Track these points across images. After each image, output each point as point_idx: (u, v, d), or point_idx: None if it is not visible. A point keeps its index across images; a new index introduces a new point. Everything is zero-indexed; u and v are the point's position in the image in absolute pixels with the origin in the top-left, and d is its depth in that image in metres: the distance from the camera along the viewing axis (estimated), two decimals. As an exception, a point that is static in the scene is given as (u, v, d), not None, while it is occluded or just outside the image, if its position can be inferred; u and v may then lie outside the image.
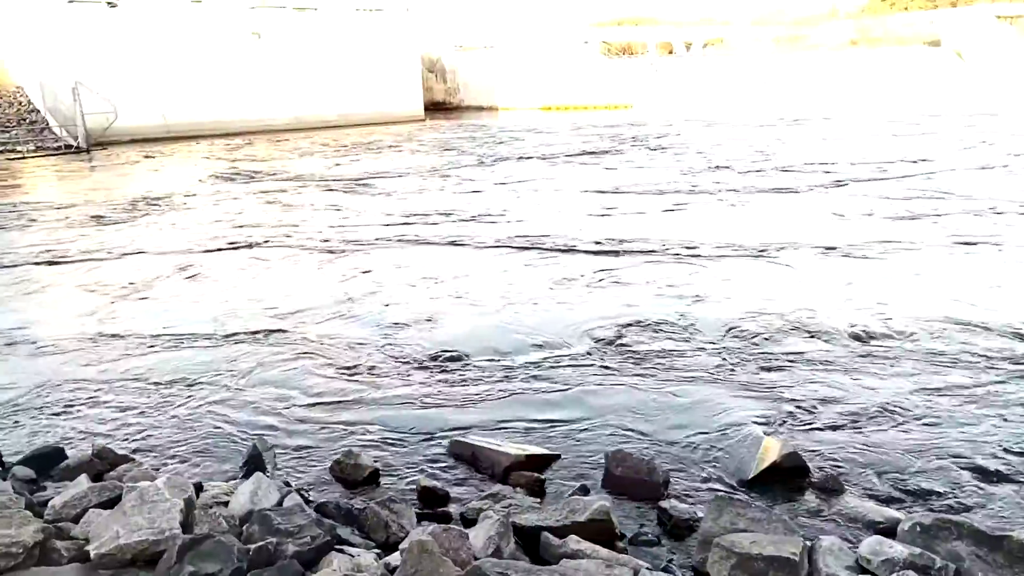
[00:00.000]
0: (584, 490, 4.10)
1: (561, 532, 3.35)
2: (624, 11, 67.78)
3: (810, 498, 4.00)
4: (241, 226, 12.22)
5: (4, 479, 3.92)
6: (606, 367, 5.84)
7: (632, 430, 4.83)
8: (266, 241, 11.05)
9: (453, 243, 10.45)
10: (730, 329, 6.55)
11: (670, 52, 54.75)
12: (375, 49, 37.88)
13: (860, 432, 4.68)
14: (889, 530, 3.33)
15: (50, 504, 3.33)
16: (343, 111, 36.53)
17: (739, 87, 39.16)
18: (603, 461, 4.32)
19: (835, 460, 4.36)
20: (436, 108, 44.25)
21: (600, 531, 3.44)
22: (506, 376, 5.73)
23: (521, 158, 20.50)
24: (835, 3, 62.95)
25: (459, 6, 57.33)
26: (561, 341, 6.41)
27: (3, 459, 4.44)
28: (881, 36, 46.00)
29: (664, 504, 3.88)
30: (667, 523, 3.77)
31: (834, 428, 4.75)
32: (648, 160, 19.00)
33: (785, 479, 4.12)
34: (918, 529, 3.06)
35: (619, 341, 6.38)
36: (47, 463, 4.33)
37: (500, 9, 59.31)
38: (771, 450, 4.27)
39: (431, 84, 45.96)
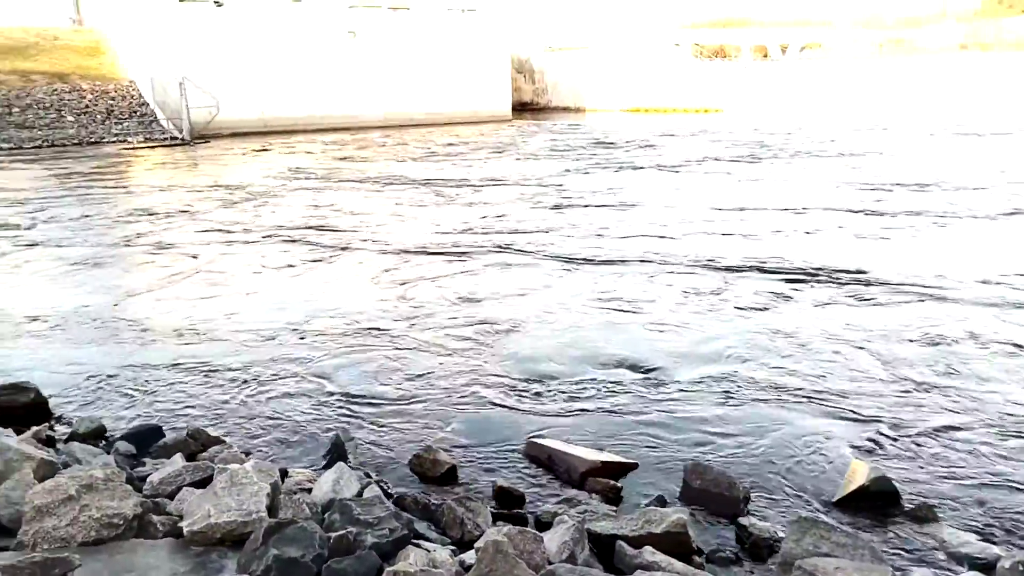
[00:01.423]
0: (661, 501, 4.04)
1: (636, 542, 3.32)
2: (718, 13, 66.38)
3: (900, 526, 3.82)
4: (323, 227, 12.50)
5: (108, 453, 4.16)
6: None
7: (712, 442, 4.73)
8: (365, 241, 11.10)
9: (642, 260, 9.32)
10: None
11: (765, 55, 53.35)
12: (465, 49, 38.36)
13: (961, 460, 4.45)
14: (987, 567, 3.15)
15: (148, 480, 3.52)
16: (432, 109, 37.16)
17: (839, 91, 37.75)
18: (682, 472, 4.25)
19: (928, 487, 4.16)
20: (523, 108, 44.48)
21: (676, 544, 3.39)
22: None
23: (636, 167, 18.74)
24: (945, 4, 59.86)
25: (551, 7, 57.40)
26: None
27: (107, 433, 4.71)
28: (992, 41, 43.57)
29: (743, 521, 3.78)
30: (746, 541, 3.67)
31: (934, 455, 4.53)
32: (794, 170, 17.01)
33: (873, 504, 3.96)
34: (1020, 569, 2.89)
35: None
36: (146, 440, 4.57)
37: (591, 11, 59.06)
38: (858, 472, 4.11)
39: (519, 84, 46.21)
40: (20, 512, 2.88)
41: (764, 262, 8.94)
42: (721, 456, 4.56)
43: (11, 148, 26.41)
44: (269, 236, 11.45)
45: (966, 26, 49.23)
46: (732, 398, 5.37)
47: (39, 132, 28.10)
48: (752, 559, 3.57)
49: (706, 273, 8.59)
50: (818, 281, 8.21)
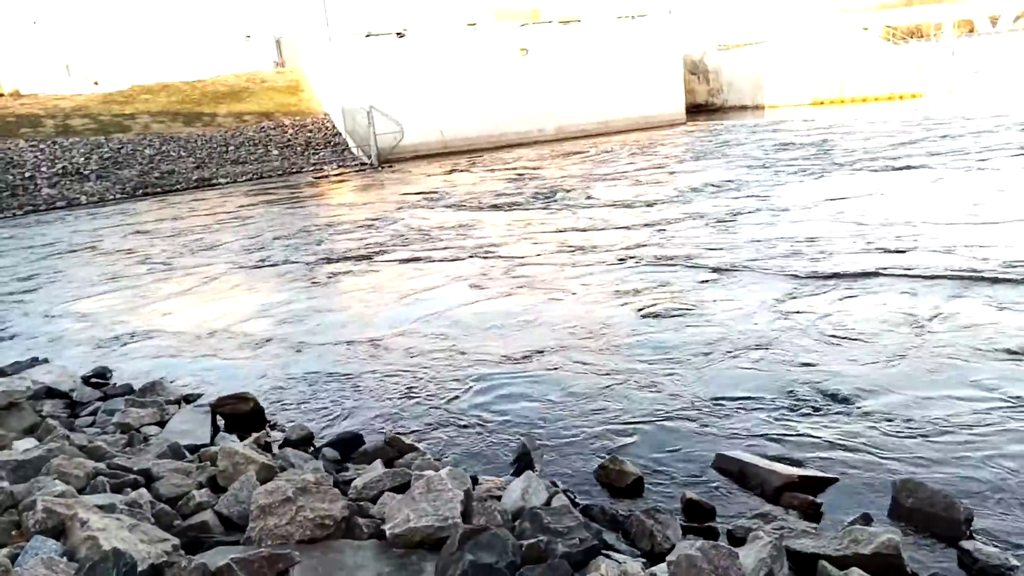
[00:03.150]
0: (867, 519, 3.74)
1: (841, 563, 3.10)
2: (911, -10, 61.10)
3: None
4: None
5: (316, 458, 4.51)
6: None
7: (922, 457, 4.33)
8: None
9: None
10: None
11: (971, 30, 48.40)
12: (636, 54, 38.03)
13: None
14: None
15: (352, 484, 3.77)
16: (604, 118, 37.16)
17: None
18: (890, 489, 3.92)
19: None
20: (697, 110, 43.34)
21: (887, 567, 3.13)
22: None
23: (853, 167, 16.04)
24: None
25: (723, 4, 55.58)
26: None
27: (315, 441, 5.10)
28: None
29: (967, 545, 3.42)
30: (971, 568, 3.32)
31: None
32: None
33: None
34: None
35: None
36: (349, 447, 4.90)
37: (766, 3, 56.50)
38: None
39: (692, 86, 45.08)
40: (246, 510, 3.19)
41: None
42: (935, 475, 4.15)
43: (227, 182, 29.53)
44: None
45: None
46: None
47: (249, 167, 31.22)
48: (978, 588, 3.21)
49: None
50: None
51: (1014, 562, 3.23)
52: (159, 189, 28.72)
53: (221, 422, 5.52)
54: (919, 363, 5.66)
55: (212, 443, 4.85)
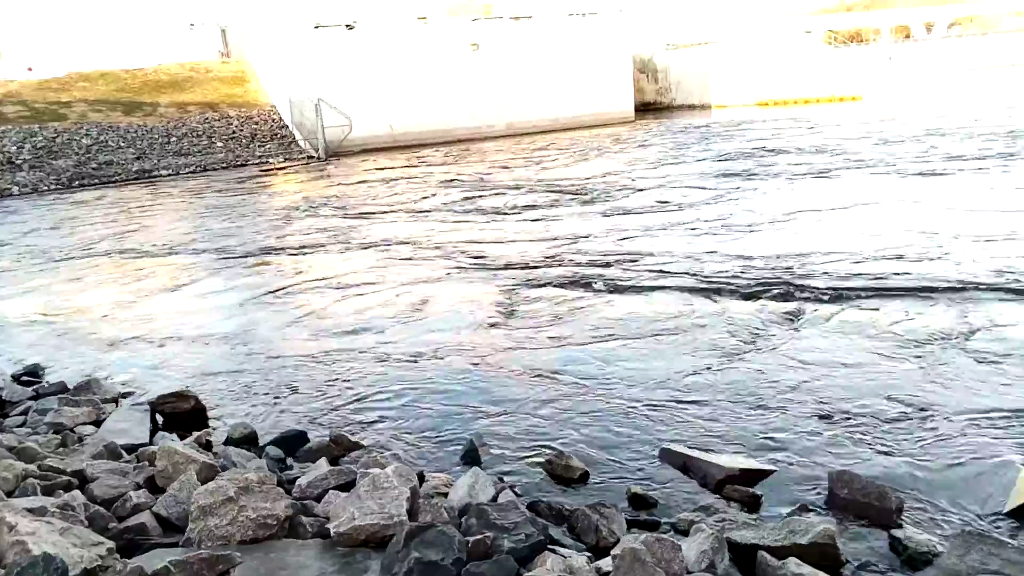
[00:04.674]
0: (804, 510, 3.85)
1: (780, 553, 3.18)
2: (852, -5, 62.89)
3: (1081, 542, 3.45)
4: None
5: (260, 457, 4.43)
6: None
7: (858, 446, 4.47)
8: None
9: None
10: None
11: (907, 36, 50.04)
12: (587, 52, 38.30)
13: None
14: None
15: (297, 483, 3.72)
16: (555, 115, 37.33)
17: (1000, 71, 34.68)
18: (825, 481, 4.04)
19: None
20: (646, 109, 43.86)
21: (823, 556, 3.22)
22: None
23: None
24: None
25: (672, 4, 56.34)
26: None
27: (259, 439, 5.02)
28: None
29: (897, 533, 3.54)
30: (901, 554, 3.44)
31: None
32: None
33: (1046, 518, 3.60)
34: None
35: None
36: (293, 445, 4.83)
37: (714, 4, 57.46)
38: (1029, 483, 3.76)
39: (642, 84, 45.60)
40: (186, 511, 3.12)
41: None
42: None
43: (169, 174, 28.78)
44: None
45: None
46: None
47: (193, 159, 30.46)
48: (908, 574, 3.33)
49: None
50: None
51: (940, 548, 3.35)
52: (97, 180, 27.81)
53: (161, 420, 5.39)
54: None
55: (151, 442, 4.72)
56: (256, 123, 33.55)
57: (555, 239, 11.26)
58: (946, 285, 7.36)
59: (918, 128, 21.69)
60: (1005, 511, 3.71)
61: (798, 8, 57.33)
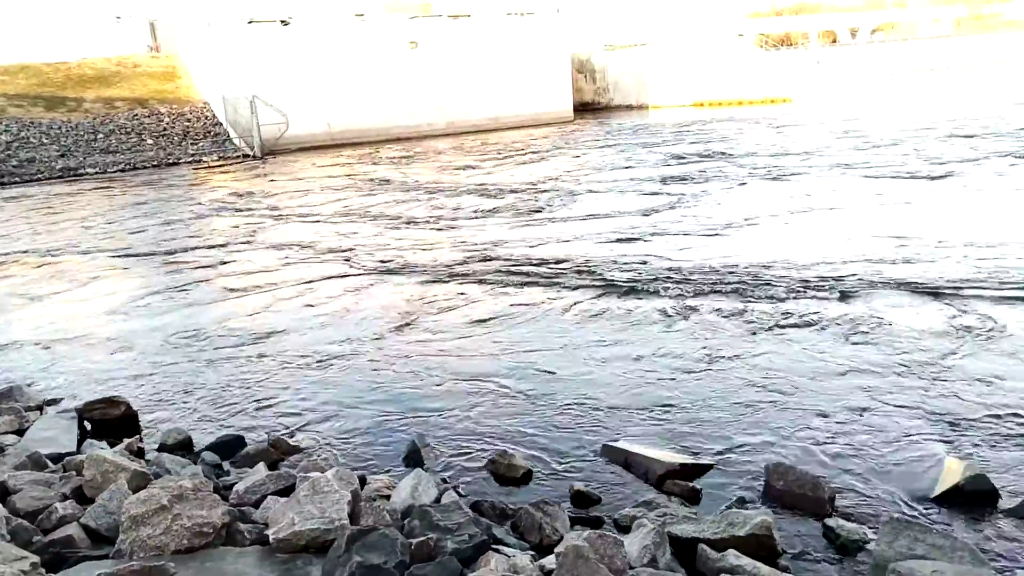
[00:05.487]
0: (742, 502, 3.94)
1: (719, 545, 3.24)
2: (783, 1, 64.67)
3: (1000, 525, 3.63)
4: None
5: (195, 463, 4.31)
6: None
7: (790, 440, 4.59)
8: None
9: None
10: None
11: (834, 41, 51.74)
12: (526, 52, 38.40)
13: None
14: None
15: (234, 489, 3.63)
16: (494, 114, 37.33)
17: (921, 75, 36.13)
18: (762, 473, 4.14)
19: (1030, 485, 3.93)
20: (584, 108, 44.22)
21: (761, 547, 3.30)
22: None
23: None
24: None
25: (609, 5, 56.97)
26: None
27: (194, 445, 4.87)
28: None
29: (831, 522, 3.65)
30: (834, 542, 3.55)
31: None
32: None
33: (969, 503, 3.77)
34: None
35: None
36: (230, 450, 4.71)
37: (651, 6, 58.36)
38: (953, 471, 3.92)
39: (580, 84, 45.95)
40: (117, 521, 3.01)
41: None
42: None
43: (96, 172, 27.73)
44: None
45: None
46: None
47: (121, 156, 29.41)
48: (841, 561, 3.44)
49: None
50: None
51: (870, 535, 3.47)
52: (17, 179, 26.59)
53: (90, 428, 5.19)
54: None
55: (78, 451, 4.54)
56: (188, 120, 32.60)
57: (481, 246, 11.00)
58: (861, 284, 7.65)
59: (844, 128, 22.49)
60: (932, 496, 3.86)
61: (731, 11, 58.68)
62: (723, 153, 19.50)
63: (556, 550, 2.82)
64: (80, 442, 4.78)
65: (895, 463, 4.25)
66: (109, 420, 5.24)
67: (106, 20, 40.56)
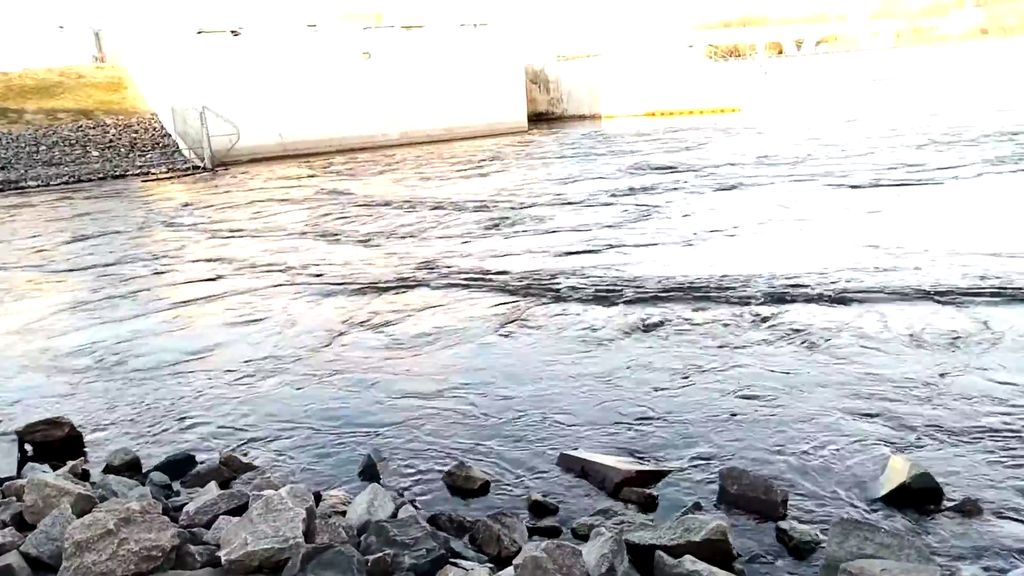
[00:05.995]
0: (698, 507, 3.98)
1: (676, 551, 3.27)
2: (730, 12, 66.15)
3: (945, 522, 3.73)
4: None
5: (144, 484, 4.19)
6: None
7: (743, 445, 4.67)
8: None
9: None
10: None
11: (780, 52, 53.07)
12: (480, 63, 38.53)
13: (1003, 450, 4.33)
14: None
15: (184, 510, 3.54)
16: (448, 125, 37.33)
17: (865, 85, 37.29)
18: (717, 479, 4.19)
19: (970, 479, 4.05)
20: (539, 119, 44.53)
21: (716, 551, 3.33)
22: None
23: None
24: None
25: (562, 16, 57.57)
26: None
27: (141, 465, 4.74)
28: (1015, 24, 42.94)
29: (784, 525, 3.71)
30: (787, 544, 3.61)
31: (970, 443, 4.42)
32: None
33: (915, 502, 3.86)
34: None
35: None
36: (180, 469, 4.60)
37: (603, 17, 59.10)
38: (899, 470, 4.02)
39: (534, 95, 46.28)
40: (60, 548, 2.91)
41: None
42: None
43: (38, 186, 26.95)
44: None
45: (985, 11, 48.57)
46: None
47: (65, 168, 28.64)
48: (794, 563, 3.50)
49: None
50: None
51: (822, 537, 3.54)
52: (-45, 193, 25.73)
53: (31, 451, 5.02)
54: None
55: (19, 475, 4.38)
56: (136, 131, 31.89)
57: (434, 259, 10.88)
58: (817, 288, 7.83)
59: (797, 138, 23.03)
60: (879, 496, 3.95)
61: (681, 23, 59.74)
62: (684, 163, 19.73)
63: (514, 562, 2.82)
64: (20, 465, 4.61)
65: (847, 465, 4.34)
66: (52, 442, 5.08)
67: (49, 29, 39.47)
